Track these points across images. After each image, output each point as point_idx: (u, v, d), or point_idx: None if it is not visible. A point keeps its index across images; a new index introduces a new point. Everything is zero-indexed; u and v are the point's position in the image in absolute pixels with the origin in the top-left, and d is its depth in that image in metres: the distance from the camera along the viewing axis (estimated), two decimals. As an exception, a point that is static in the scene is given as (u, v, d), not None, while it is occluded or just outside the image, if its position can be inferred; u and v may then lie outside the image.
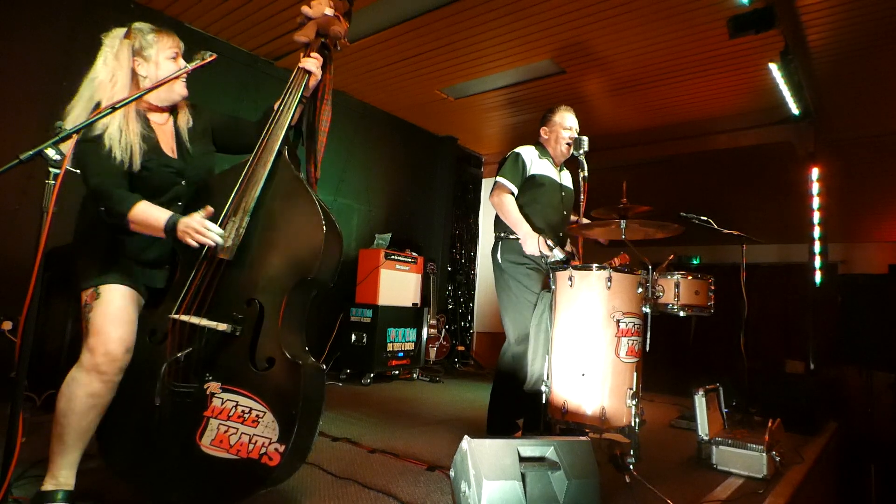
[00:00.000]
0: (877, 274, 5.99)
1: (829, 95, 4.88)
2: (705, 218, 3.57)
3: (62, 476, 1.71)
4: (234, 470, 1.65)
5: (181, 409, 1.73)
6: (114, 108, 1.55)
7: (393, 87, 5.39)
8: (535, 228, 2.85)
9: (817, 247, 5.35)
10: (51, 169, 1.34)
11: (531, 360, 2.77)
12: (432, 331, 5.83)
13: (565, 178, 3.15)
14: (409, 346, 5.19)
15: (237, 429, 1.67)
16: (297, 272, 1.79)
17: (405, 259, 5.30)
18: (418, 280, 5.44)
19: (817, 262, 5.32)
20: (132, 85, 1.79)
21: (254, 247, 1.82)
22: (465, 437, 1.87)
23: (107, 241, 1.81)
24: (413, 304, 5.33)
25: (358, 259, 5.22)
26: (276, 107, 1.95)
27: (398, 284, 5.17)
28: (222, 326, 1.72)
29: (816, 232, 5.37)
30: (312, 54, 2.03)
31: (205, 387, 1.74)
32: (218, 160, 2.06)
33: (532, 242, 2.77)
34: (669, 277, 2.83)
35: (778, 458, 2.63)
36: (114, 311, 1.74)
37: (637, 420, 2.43)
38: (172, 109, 1.94)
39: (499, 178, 2.93)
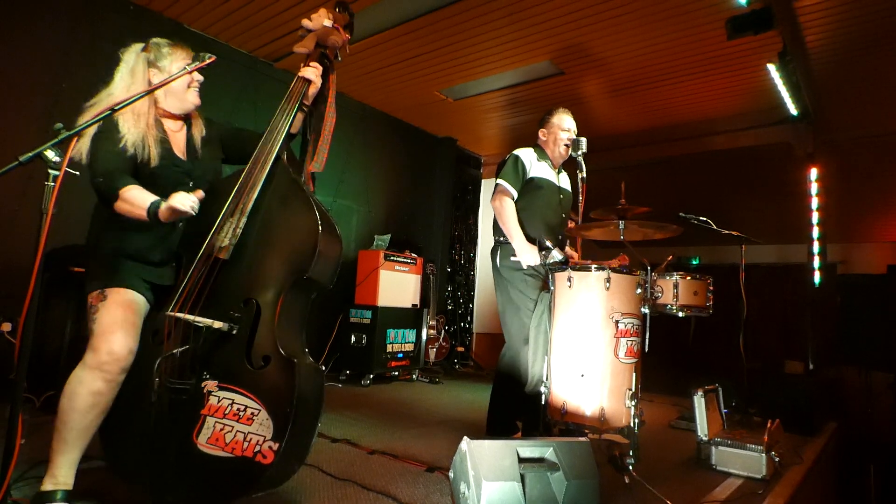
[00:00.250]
0: (875, 274, 6.00)
1: (828, 96, 4.89)
2: (704, 218, 3.57)
3: (61, 475, 1.72)
4: (229, 468, 1.66)
5: (178, 407, 1.75)
6: (113, 110, 1.57)
7: (392, 88, 5.40)
8: (534, 231, 2.86)
9: (816, 247, 5.36)
10: (50, 171, 1.34)
11: (531, 362, 2.77)
12: (432, 332, 5.84)
13: (563, 181, 3.16)
14: (409, 348, 5.19)
15: (233, 427, 1.68)
16: (292, 271, 1.82)
17: (404, 260, 5.31)
18: (418, 281, 5.44)
19: (816, 262, 5.33)
20: (149, 96, 1.88)
21: (251, 247, 1.85)
22: (465, 438, 1.87)
23: (116, 245, 1.87)
24: (412, 305, 5.33)
25: (357, 260, 5.22)
26: (275, 114, 2.01)
27: (398, 285, 5.17)
28: (219, 324, 1.74)
29: (815, 232, 5.38)
30: (312, 63, 2.10)
31: (202, 385, 1.75)
32: (224, 169, 2.13)
33: (527, 254, 2.77)
34: (668, 278, 2.83)
35: (777, 459, 2.63)
36: (119, 313, 1.79)
37: (636, 421, 2.43)
38: (187, 119, 2.04)
39: (500, 182, 2.93)
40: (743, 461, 2.63)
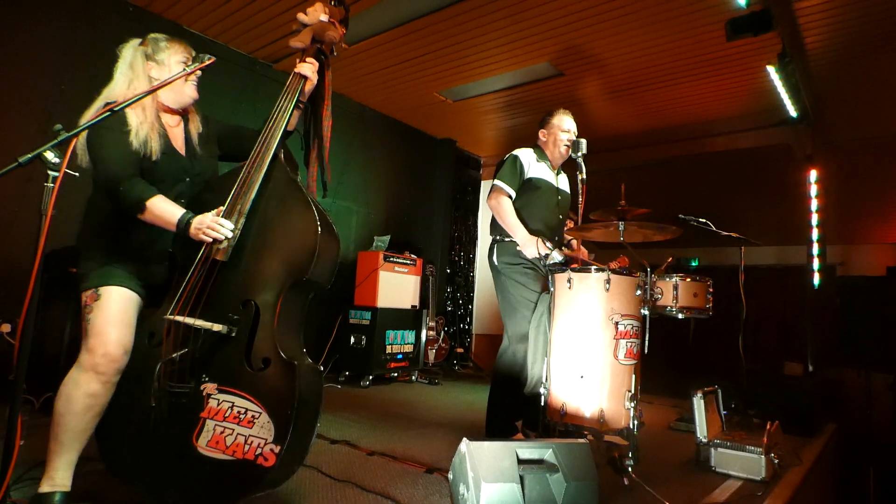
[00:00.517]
0: (875, 276, 6.00)
1: (827, 97, 4.90)
2: (704, 220, 3.57)
3: (59, 478, 1.72)
4: (230, 471, 1.66)
5: (177, 410, 1.74)
6: (112, 111, 1.56)
7: (392, 89, 5.40)
8: (532, 231, 2.86)
9: (815, 249, 5.37)
10: (49, 172, 1.34)
11: (531, 362, 2.77)
12: (431, 333, 5.83)
13: (562, 182, 3.16)
14: (408, 349, 5.19)
15: (233, 430, 1.68)
16: (292, 273, 1.81)
17: (404, 261, 5.30)
18: (417, 282, 5.44)
19: (815, 263, 5.34)
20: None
21: (249, 248, 1.84)
22: (464, 439, 1.87)
23: (109, 244, 1.86)
24: (412, 306, 5.33)
25: (357, 261, 5.22)
26: (272, 112, 1.99)
27: (397, 286, 5.17)
28: (217, 327, 1.73)
29: (815, 234, 5.39)
30: (308, 59, 2.08)
31: (201, 388, 1.74)
32: (220, 166, 2.12)
33: (531, 246, 2.77)
34: (668, 279, 2.83)
35: (776, 460, 2.63)
36: (113, 313, 1.77)
37: (636, 422, 2.43)
38: (184, 115, 2.02)
39: (497, 181, 2.93)
40: (742, 463, 2.62)
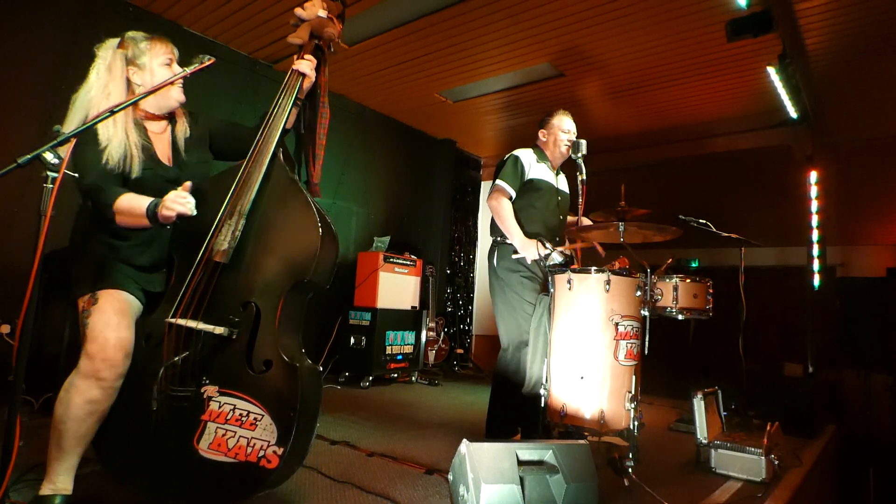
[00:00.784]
0: (875, 277, 5.99)
1: (827, 99, 4.90)
2: (704, 221, 3.57)
3: (60, 481, 1.71)
4: (232, 473, 1.65)
5: (178, 414, 1.73)
6: (112, 112, 1.55)
7: (392, 89, 5.40)
8: (532, 232, 2.85)
9: (815, 250, 5.36)
10: (49, 173, 1.34)
11: (530, 363, 2.76)
12: (431, 334, 5.83)
13: (561, 183, 3.16)
14: (408, 349, 5.19)
15: (235, 432, 1.67)
16: (293, 274, 1.79)
17: (404, 262, 5.30)
18: (417, 283, 5.44)
19: (815, 265, 5.34)
20: (127, 94, 1.80)
21: (249, 250, 1.82)
22: (464, 440, 1.87)
23: (103, 248, 1.81)
24: (412, 306, 5.32)
25: (357, 262, 5.21)
26: (270, 109, 1.94)
27: (397, 287, 5.17)
28: (219, 330, 1.72)
29: (815, 235, 5.39)
30: (306, 56, 2.04)
31: (202, 390, 1.74)
32: (214, 166, 2.06)
33: (530, 249, 2.76)
34: (668, 280, 2.83)
35: (776, 462, 2.63)
36: (112, 317, 1.74)
37: (636, 423, 2.43)
38: (170, 118, 1.95)
39: (498, 182, 2.93)
40: (742, 464, 2.62)
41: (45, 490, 1.69)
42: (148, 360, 1.77)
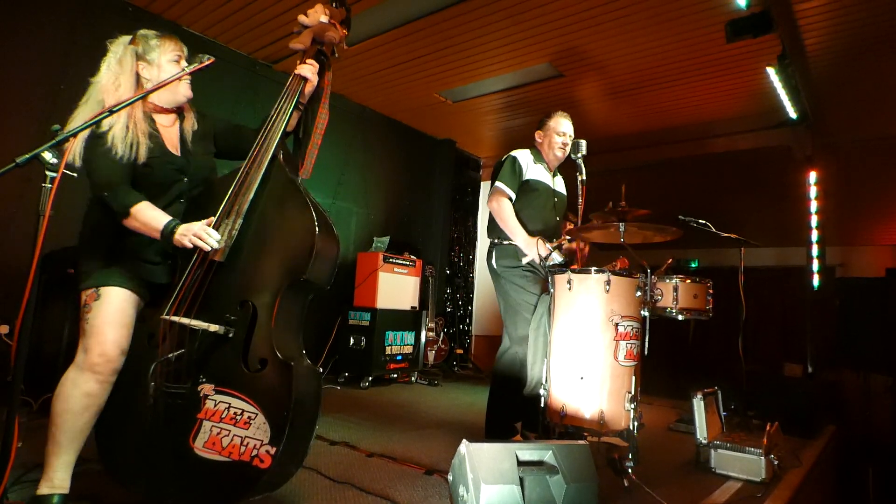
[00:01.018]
0: (874, 277, 6.00)
1: (827, 99, 4.90)
2: (703, 221, 3.57)
3: (57, 479, 1.72)
4: (225, 472, 1.65)
5: (174, 411, 1.73)
6: (111, 112, 1.56)
7: (392, 90, 5.40)
8: (532, 233, 2.85)
9: (815, 250, 5.37)
10: (47, 172, 1.34)
11: (531, 363, 2.76)
12: (431, 334, 5.83)
13: (558, 184, 3.15)
14: (408, 350, 5.18)
15: (229, 431, 1.67)
16: (289, 273, 1.79)
17: (403, 262, 5.30)
18: (417, 283, 5.43)
19: (815, 265, 5.34)
20: (136, 88, 1.85)
21: (246, 249, 1.83)
22: (464, 440, 1.87)
23: (110, 243, 1.84)
24: (411, 307, 5.32)
25: (356, 262, 5.21)
26: (271, 112, 1.97)
27: (396, 287, 5.17)
28: (214, 328, 1.73)
29: (814, 235, 5.39)
30: (308, 60, 2.06)
31: (198, 389, 1.74)
32: (218, 165, 2.09)
33: (532, 248, 2.76)
34: (668, 281, 2.83)
35: (776, 462, 2.63)
36: (112, 313, 1.77)
37: (635, 423, 2.42)
38: (179, 113, 2.00)
39: (497, 183, 2.93)
40: (742, 464, 2.62)
41: (43, 489, 1.70)
42: (148, 360, 1.77)
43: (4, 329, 2.97)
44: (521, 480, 1.82)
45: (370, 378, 4.76)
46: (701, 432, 2.81)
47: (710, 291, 2.92)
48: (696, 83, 4.78)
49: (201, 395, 1.73)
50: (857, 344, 4.99)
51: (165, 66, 1.87)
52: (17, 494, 1.79)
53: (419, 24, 4.15)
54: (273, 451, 1.61)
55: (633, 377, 2.48)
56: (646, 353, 2.56)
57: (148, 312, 1.90)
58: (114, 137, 1.74)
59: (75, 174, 1.70)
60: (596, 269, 2.53)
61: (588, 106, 5.38)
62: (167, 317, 1.75)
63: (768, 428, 2.73)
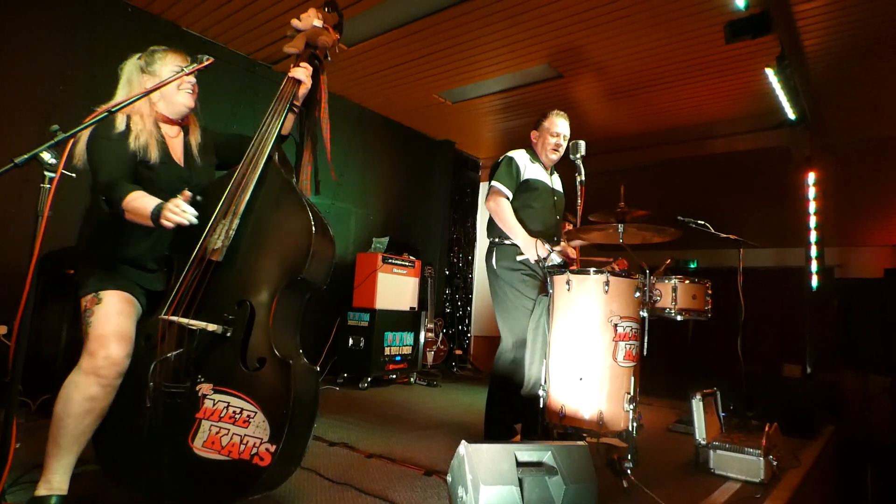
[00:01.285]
0: (873, 278, 6.01)
1: (825, 100, 4.91)
2: (702, 222, 3.57)
3: (56, 480, 1.71)
4: (225, 471, 1.65)
5: (173, 411, 1.73)
6: (110, 112, 1.56)
7: (391, 90, 5.40)
8: (532, 233, 2.85)
9: (814, 251, 5.37)
10: (46, 173, 1.34)
11: (528, 364, 2.76)
12: (430, 335, 5.82)
13: (556, 183, 3.15)
14: (407, 350, 5.18)
15: (228, 429, 1.67)
16: (286, 272, 1.81)
17: (403, 263, 5.30)
18: (416, 284, 5.43)
19: (814, 266, 5.34)
20: (147, 102, 1.91)
21: (243, 249, 1.85)
22: (463, 441, 1.87)
23: (109, 249, 1.86)
24: (410, 307, 5.32)
25: (355, 263, 5.21)
26: (266, 115, 2.00)
27: (396, 288, 5.17)
28: (212, 327, 1.73)
29: (813, 236, 5.39)
30: (302, 64, 2.09)
31: (197, 388, 1.74)
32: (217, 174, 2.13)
33: (532, 249, 2.76)
34: (667, 281, 2.83)
35: (775, 462, 2.63)
36: (114, 316, 1.78)
37: (635, 424, 2.42)
38: (184, 126, 2.05)
39: (494, 183, 2.92)
40: (741, 465, 2.62)
41: (41, 490, 1.70)
42: (146, 361, 1.77)
43: (3, 330, 2.96)
44: (521, 481, 1.82)
45: (369, 379, 4.75)
46: (700, 433, 2.81)
47: (709, 292, 2.92)
48: (694, 84, 4.78)
49: (200, 394, 1.73)
50: (856, 344, 4.99)
51: (165, 75, 1.90)
52: (15, 496, 1.79)
53: (418, 25, 4.15)
54: (273, 448, 1.61)
55: (633, 378, 2.48)
56: (645, 353, 2.56)
57: (146, 316, 1.91)
58: (135, 134, 1.81)
59: (74, 175, 1.69)
60: (595, 269, 2.53)
61: (587, 107, 5.38)
62: (166, 316, 1.76)
63: (767, 428, 2.73)
